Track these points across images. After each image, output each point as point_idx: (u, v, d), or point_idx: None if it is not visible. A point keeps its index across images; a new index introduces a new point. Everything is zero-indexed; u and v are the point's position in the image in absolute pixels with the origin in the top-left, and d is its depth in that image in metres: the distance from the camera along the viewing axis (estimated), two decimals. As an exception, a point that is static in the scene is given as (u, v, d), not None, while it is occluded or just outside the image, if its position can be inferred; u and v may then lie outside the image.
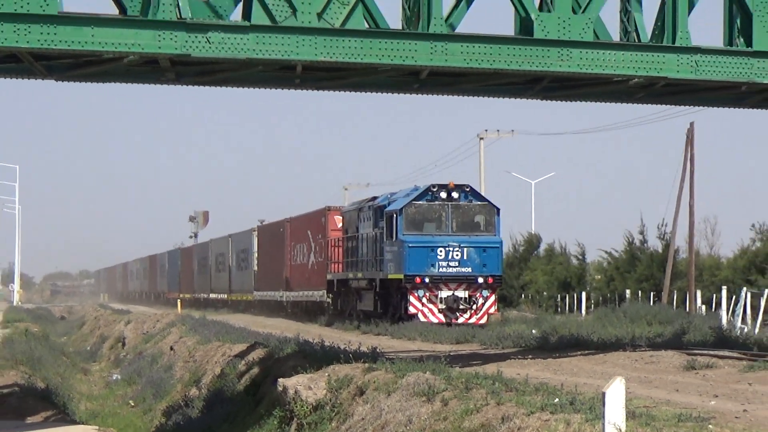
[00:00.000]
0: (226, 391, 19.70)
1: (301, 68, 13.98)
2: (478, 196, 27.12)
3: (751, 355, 16.71)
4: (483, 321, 25.33)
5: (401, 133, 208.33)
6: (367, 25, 13.55)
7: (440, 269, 25.08)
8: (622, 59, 14.22)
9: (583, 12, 13.69)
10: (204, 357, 25.16)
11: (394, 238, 25.95)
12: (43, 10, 12.09)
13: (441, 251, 25.03)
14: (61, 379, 27.17)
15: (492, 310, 25.89)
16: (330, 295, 33.62)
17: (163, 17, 12.50)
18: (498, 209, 26.81)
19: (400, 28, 13.86)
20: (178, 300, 61.17)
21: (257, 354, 20.31)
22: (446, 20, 13.70)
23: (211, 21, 12.78)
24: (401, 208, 25.84)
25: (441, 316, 25.07)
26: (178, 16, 12.63)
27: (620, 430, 8.79)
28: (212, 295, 57.70)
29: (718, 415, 10.79)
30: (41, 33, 12.28)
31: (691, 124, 32.82)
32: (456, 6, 13.91)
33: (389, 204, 27.34)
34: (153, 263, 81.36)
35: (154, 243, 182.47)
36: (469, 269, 25.11)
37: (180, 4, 12.58)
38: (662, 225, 38.96)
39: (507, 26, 14.28)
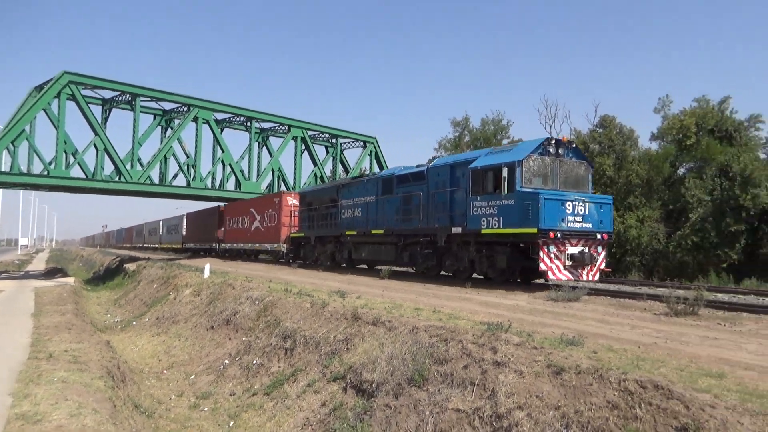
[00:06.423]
0: (110, 268, 56.19)
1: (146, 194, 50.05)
2: (579, 153, 23.04)
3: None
4: (597, 277, 21.58)
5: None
6: (157, 181, 49.68)
7: (569, 224, 21.00)
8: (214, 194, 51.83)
9: (194, 180, 51.35)
10: (106, 259, 65.41)
11: (504, 192, 21.57)
12: (66, 174, 43.45)
13: (569, 206, 21.05)
14: (65, 265, 71.00)
15: (603, 267, 21.80)
16: (291, 247, 38.54)
17: (100, 178, 43.86)
18: (593, 167, 24.23)
19: (167, 182, 49.90)
20: (98, 246, 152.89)
21: (119, 259, 57.64)
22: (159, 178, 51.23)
23: (112, 179, 48.57)
24: (521, 160, 21.37)
25: (567, 273, 20.83)
26: (101, 178, 44.21)
27: (208, 275, 29.43)
28: (145, 245, 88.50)
29: (353, 292, 18.62)
30: (64, 181, 41.92)
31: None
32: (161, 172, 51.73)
33: (474, 160, 23.46)
34: (108, 234, 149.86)
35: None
36: (590, 225, 21.47)
37: (103, 175, 47.20)
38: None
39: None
